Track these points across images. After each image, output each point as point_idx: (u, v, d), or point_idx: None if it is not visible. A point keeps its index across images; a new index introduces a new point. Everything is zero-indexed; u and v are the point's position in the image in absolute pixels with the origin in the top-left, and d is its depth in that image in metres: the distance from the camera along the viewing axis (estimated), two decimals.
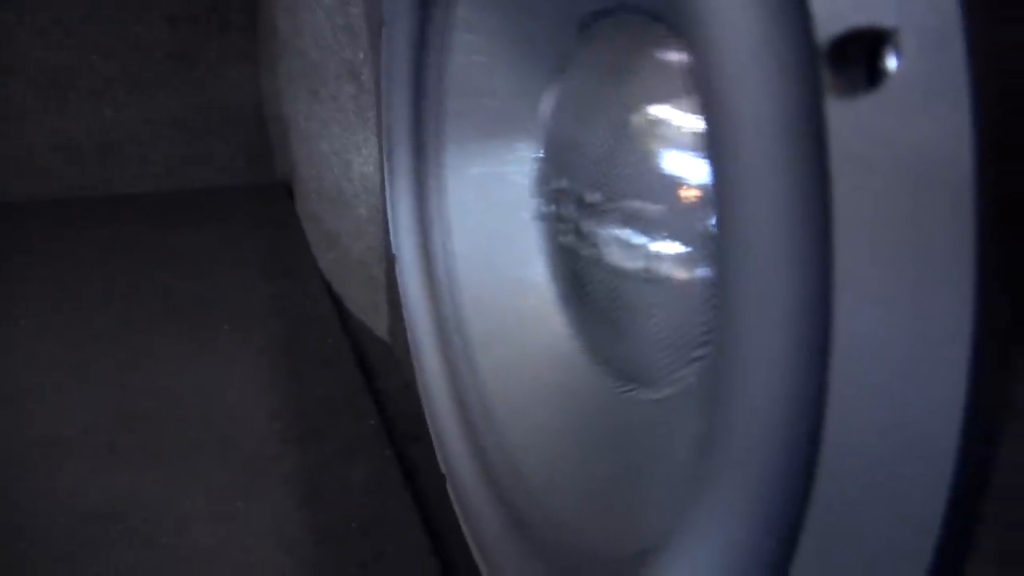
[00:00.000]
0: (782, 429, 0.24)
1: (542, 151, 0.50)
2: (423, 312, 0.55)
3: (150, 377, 0.82)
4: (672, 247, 0.40)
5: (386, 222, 0.63)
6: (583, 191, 0.46)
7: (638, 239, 0.42)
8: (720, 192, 0.26)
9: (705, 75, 0.25)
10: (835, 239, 0.22)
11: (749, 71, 0.24)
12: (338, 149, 0.95)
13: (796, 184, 0.23)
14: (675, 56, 0.39)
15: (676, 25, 0.36)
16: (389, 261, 0.78)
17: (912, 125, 0.20)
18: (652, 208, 0.41)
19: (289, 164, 1.29)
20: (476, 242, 0.54)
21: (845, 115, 0.21)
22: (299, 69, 1.09)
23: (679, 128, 0.40)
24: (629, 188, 0.42)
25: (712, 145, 0.26)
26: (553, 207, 0.50)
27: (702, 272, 0.37)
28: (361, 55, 0.84)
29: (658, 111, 0.41)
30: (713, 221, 0.32)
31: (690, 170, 0.38)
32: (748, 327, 0.25)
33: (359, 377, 0.81)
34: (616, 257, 0.44)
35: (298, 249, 1.14)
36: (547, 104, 0.49)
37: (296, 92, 1.12)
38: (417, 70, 0.53)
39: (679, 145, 0.40)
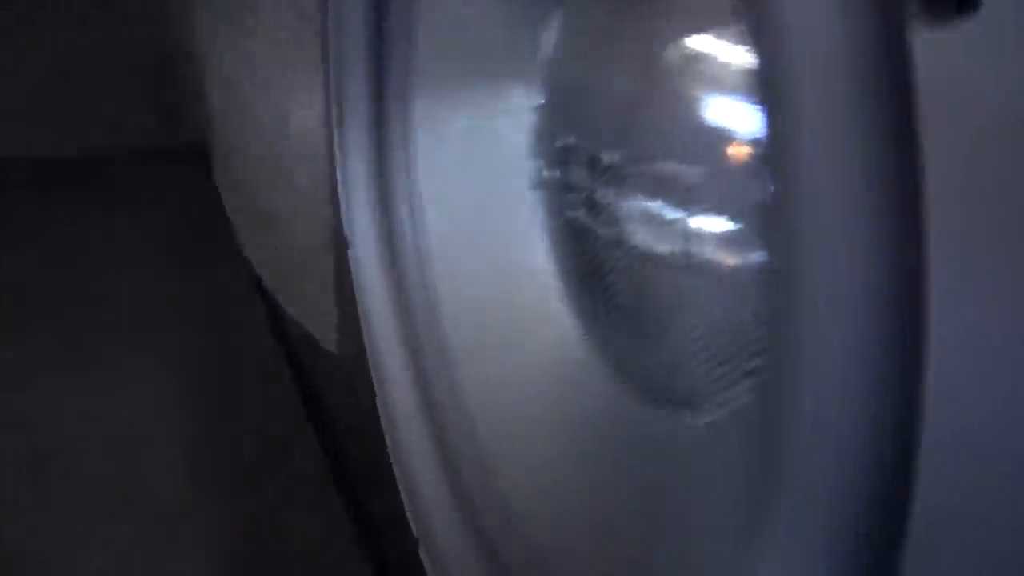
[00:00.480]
0: (869, 461, 0.25)
1: (543, 98, 0.51)
2: (386, 314, 0.55)
3: (25, 403, 0.82)
4: (718, 223, 0.41)
5: (335, 195, 0.64)
6: (598, 150, 0.47)
7: (672, 213, 0.43)
8: (776, 149, 0.26)
9: None
10: (928, 207, 0.22)
11: None
12: (272, 99, 0.96)
13: (875, 138, 0.23)
14: None
15: None
16: (340, 247, 0.79)
17: (1013, 61, 0.20)
18: (691, 172, 0.42)
19: (205, 119, 1.29)
20: (457, 219, 0.55)
21: (933, 49, 0.22)
22: None
23: (725, 65, 0.40)
24: (660, 145, 0.43)
25: (767, 88, 0.26)
26: (558, 172, 0.51)
27: (758, 256, 0.37)
28: None
29: (697, 43, 0.42)
30: (772, 188, 0.33)
31: (741, 120, 0.39)
32: (820, 326, 0.26)
33: (299, 403, 0.81)
34: (643, 237, 0.45)
35: (217, 232, 1.14)
36: (550, 36, 0.49)
37: (215, 23, 1.13)
38: None
39: (726, 88, 0.40)
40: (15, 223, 1.15)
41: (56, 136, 1.41)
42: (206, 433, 0.79)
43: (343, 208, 0.60)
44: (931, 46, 0.22)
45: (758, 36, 0.27)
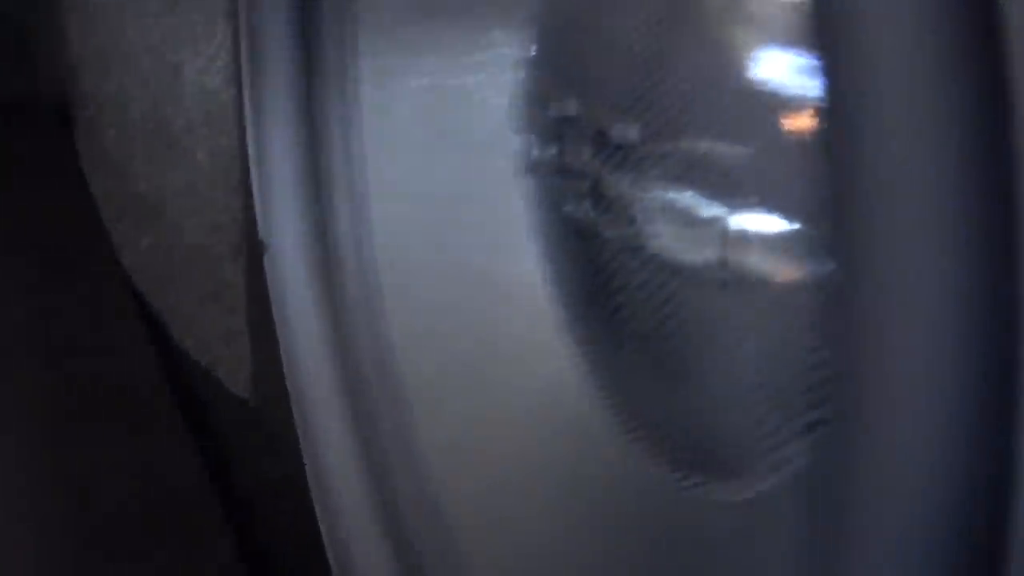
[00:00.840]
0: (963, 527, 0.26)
1: (533, 48, 0.52)
2: (316, 341, 0.56)
3: None
4: (768, 222, 0.41)
5: (247, 179, 0.64)
6: (607, 122, 0.47)
7: (707, 209, 0.43)
8: (835, 125, 0.27)
9: None
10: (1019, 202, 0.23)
11: None
12: (157, 44, 0.97)
13: (958, 110, 0.24)
14: None
15: None
16: (254, 251, 0.79)
17: None
18: (732, 152, 0.43)
19: (65, 69, 1.29)
20: (414, 213, 0.56)
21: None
22: None
23: (776, 6, 0.41)
24: (690, 116, 0.44)
25: (824, 37, 0.27)
26: (554, 150, 0.51)
27: (823, 267, 0.38)
28: None
29: None
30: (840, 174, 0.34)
31: (803, 80, 0.40)
32: (908, 363, 0.27)
33: (196, 464, 0.82)
34: (667, 241, 0.45)
35: (81, 226, 1.14)
36: None
37: None
38: None
39: (777, 37, 0.41)
40: None
41: None
42: (63, 503, 0.79)
43: (259, 197, 0.60)
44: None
45: None
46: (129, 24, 1.02)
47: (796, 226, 0.40)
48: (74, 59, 1.23)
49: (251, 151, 0.61)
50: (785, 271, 0.41)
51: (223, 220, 0.88)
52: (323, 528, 0.56)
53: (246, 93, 0.62)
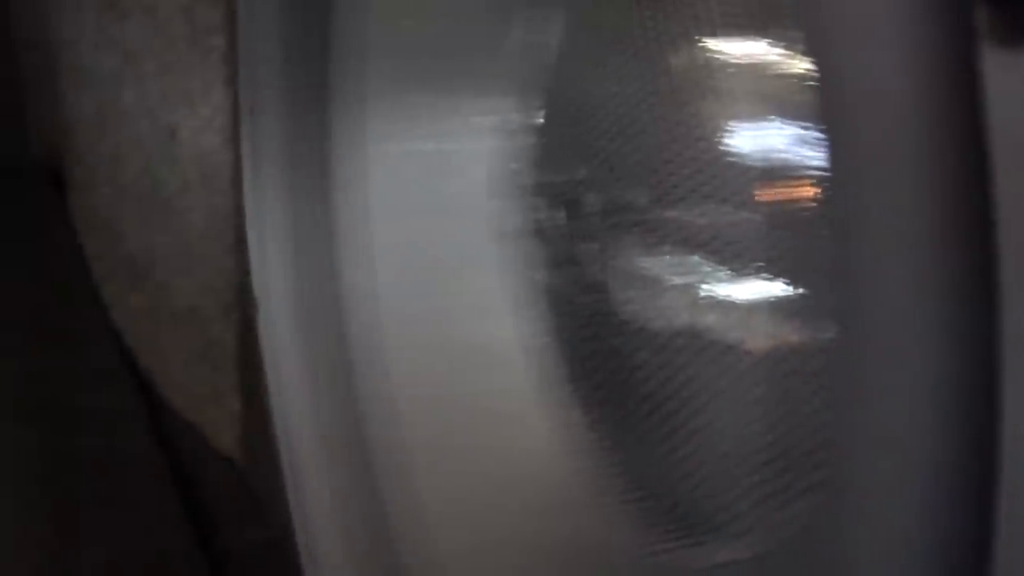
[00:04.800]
0: None
1: (514, 115, 0.53)
2: (310, 404, 0.56)
3: None
4: (759, 287, 0.42)
5: (242, 238, 0.64)
6: (587, 188, 0.48)
7: (695, 274, 0.44)
8: (834, 197, 0.28)
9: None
10: (1001, 278, 0.24)
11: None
12: (154, 105, 0.97)
13: (941, 179, 0.25)
14: None
15: None
16: (245, 312, 0.79)
17: None
18: (721, 217, 0.43)
19: (59, 130, 1.30)
20: (408, 276, 0.56)
21: (1005, 71, 0.23)
22: None
23: (750, 76, 0.42)
24: (672, 183, 0.44)
25: (825, 113, 0.28)
26: (531, 216, 0.52)
27: (814, 333, 0.39)
28: None
29: (728, 48, 0.44)
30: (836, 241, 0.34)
31: (791, 149, 0.41)
32: (909, 427, 0.27)
33: (184, 528, 0.81)
34: (652, 307, 0.46)
35: (71, 285, 1.14)
36: (527, 34, 0.51)
37: (80, 7, 1.13)
38: None
39: (769, 106, 0.42)
40: None
41: None
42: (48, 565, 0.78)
43: (255, 256, 0.61)
44: (1002, 68, 0.23)
45: (811, 50, 0.28)
46: (125, 86, 1.02)
47: (794, 290, 0.41)
48: (68, 120, 1.23)
49: (248, 211, 0.62)
50: (778, 336, 0.42)
51: (214, 280, 0.87)
52: None
53: (245, 154, 0.62)
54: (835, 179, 0.29)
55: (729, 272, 0.43)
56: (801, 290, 0.40)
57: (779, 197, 0.42)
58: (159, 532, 0.82)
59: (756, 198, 0.42)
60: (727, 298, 0.43)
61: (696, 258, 0.44)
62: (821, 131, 0.34)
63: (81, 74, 1.16)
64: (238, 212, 0.74)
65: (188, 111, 0.91)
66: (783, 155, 0.42)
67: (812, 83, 0.30)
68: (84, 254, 1.17)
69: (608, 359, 0.48)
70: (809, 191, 0.40)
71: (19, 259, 1.20)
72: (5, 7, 1.43)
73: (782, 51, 0.42)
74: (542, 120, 0.52)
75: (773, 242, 0.41)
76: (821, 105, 0.29)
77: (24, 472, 0.88)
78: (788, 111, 0.41)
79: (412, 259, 0.56)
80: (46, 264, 1.20)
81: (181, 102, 0.92)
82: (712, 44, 0.44)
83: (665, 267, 0.46)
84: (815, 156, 0.39)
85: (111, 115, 1.08)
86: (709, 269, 0.43)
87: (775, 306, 0.41)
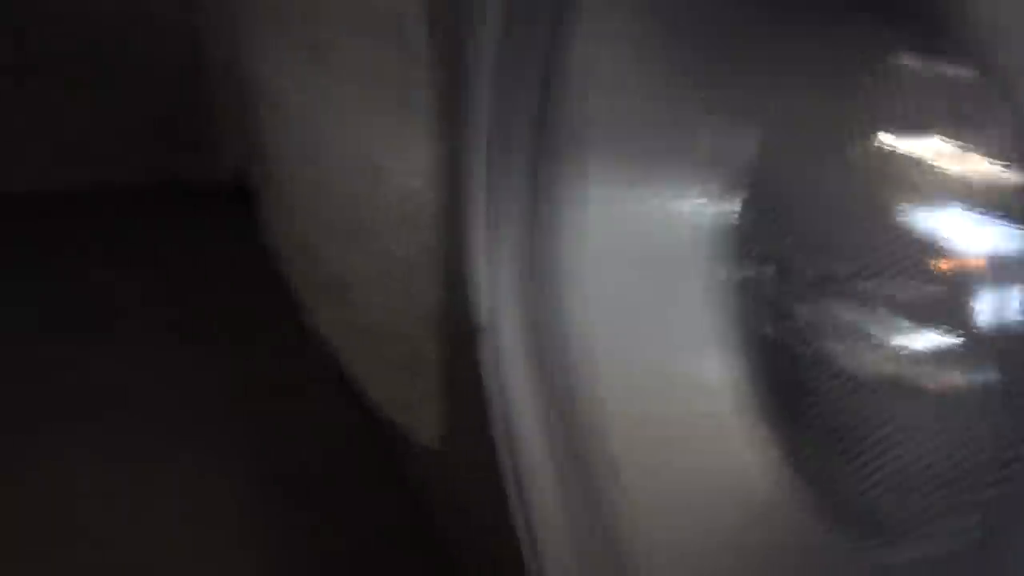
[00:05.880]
0: None
1: (737, 192, 0.61)
2: (539, 421, 0.64)
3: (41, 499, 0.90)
4: (939, 340, 0.51)
5: (439, 269, 0.70)
6: (800, 260, 0.56)
7: (887, 333, 0.53)
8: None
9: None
10: None
11: None
12: (360, 146, 1.02)
13: None
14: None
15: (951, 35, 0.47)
16: (446, 333, 0.86)
17: None
18: (910, 289, 0.52)
19: (252, 154, 1.36)
20: (616, 312, 0.65)
21: None
22: (287, 6, 1.18)
23: (952, 174, 0.51)
24: (871, 259, 0.53)
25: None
26: (744, 275, 0.61)
27: (990, 376, 0.47)
28: None
29: (926, 148, 0.53)
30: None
31: (969, 234, 0.50)
32: None
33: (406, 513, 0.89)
34: (850, 357, 0.54)
35: (269, 299, 1.21)
36: (751, 127, 0.60)
37: (278, 45, 1.18)
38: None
39: (954, 197, 0.51)
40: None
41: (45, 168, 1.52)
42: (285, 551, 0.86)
43: (482, 287, 0.68)
44: None
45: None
46: (329, 123, 1.07)
47: (966, 344, 0.49)
48: (265, 146, 1.29)
49: (475, 246, 0.69)
50: (957, 380, 0.50)
51: (416, 307, 0.92)
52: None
53: (469, 200, 0.71)
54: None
55: (913, 328, 0.52)
56: (974, 342, 0.49)
57: (955, 269, 0.51)
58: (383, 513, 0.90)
59: (936, 269, 0.51)
60: (914, 350, 0.52)
61: (884, 314, 0.53)
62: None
63: (280, 106, 1.21)
64: (439, 248, 0.83)
65: (396, 154, 0.94)
66: (954, 237, 0.51)
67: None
68: (280, 272, 1.24)
69: (806, 396, 0.56)
70: (980, 263, 0.50)
71: (218, 272, 1.30)
72: (206, 33, 1.53)
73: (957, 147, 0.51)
74: (749, 190, 0.61)
75: (951, 306, 0.50)
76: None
77: (243, 469, 0.98)
78: (963, 201, 0.50)
79: (627, 302, 0.64)
80: (244, 279, 1.28)
81: (388, 146, 0.96)
82: (900, 141, 0.54)
83: (858, 322, 0.54)
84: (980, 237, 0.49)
85: (313, 148, 1.12)
86: (896, 327, 0.53)
87: (954, 356, 0.50)
